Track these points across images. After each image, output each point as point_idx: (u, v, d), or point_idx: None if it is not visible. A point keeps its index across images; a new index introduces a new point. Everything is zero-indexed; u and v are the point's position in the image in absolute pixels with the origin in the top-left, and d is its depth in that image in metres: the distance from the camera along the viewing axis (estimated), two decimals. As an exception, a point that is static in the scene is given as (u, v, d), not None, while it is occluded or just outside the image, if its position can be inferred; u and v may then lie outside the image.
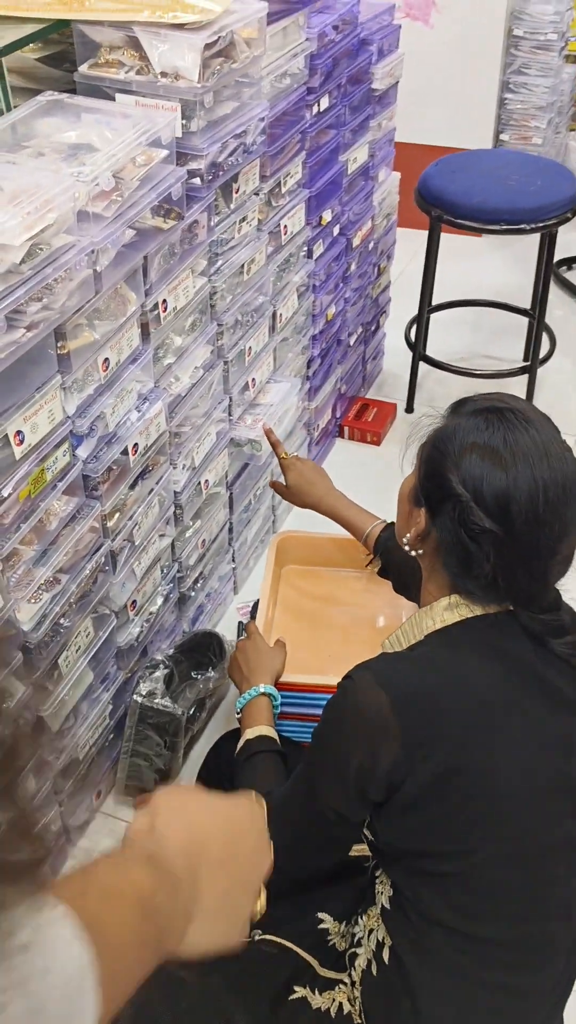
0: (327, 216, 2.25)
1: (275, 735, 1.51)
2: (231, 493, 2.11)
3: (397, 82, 2.50)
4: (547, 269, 2.69)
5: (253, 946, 1.32)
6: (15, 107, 1.53)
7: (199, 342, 1.79)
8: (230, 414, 1.98)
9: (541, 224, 2.46)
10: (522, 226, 2.46)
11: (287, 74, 1.92)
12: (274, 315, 2.07)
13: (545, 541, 1.12)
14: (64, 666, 1.58)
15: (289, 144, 1.99)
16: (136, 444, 1.60)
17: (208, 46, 1.54)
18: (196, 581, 2.07)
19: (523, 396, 2.46)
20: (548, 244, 2.63)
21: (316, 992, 1.25)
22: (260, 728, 1.51)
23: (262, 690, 1.59)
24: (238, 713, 1.59)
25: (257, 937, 1.32)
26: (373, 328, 2.90)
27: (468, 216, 2.46)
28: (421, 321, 2.77)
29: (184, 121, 1.59)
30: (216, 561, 2.15)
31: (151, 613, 1.88)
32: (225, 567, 2.21)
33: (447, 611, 1.18)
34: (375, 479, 2.10)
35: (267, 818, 0.90)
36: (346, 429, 2.79)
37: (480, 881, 1.13)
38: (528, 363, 2.76)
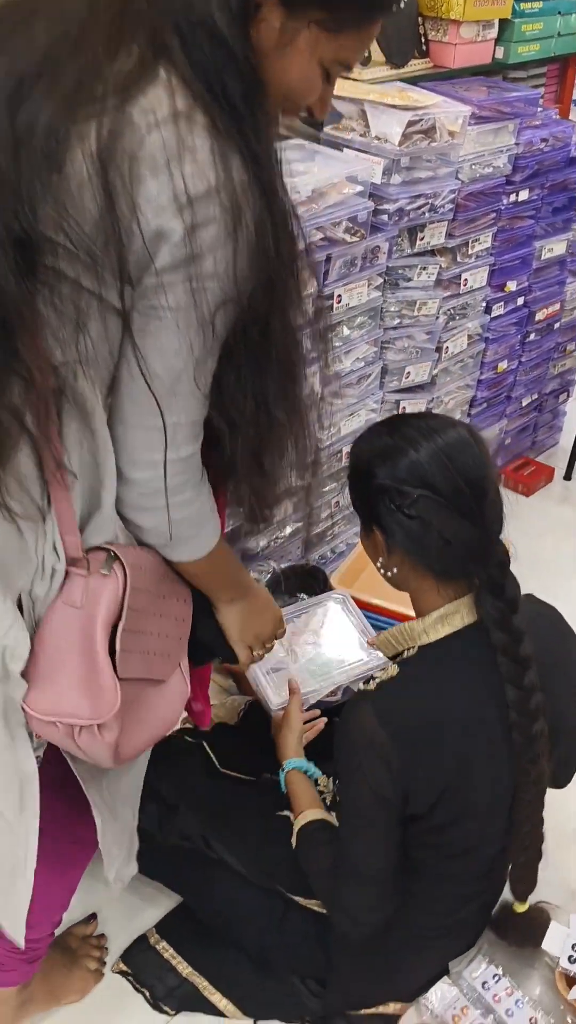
0: (511, 286, 2.78)
1: (322, 814, 1.63)
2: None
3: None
4: None
5: (264, 779, 1.84)
6: (271, 143, 2.21)
7: (365, 339, 2.37)
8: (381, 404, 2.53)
9: None
10: None
11: (491, 165, 2.50)
12: (439, 347, 2.61)
13: (464, 488, 1.31)
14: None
15: (482, 217, 2.55)
16: (290, 389, 2.19)
17: (411, 123, 2.15)
18: (324, 534, 2.61)
19: None
20: None
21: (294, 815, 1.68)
22: (307, 814, 1.63)
23: (292, 766, 1.74)
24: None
25: (267, 775, 1.84)
26: (554, 400, 3.36)
27: None
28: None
29: (385, 174, 2.20)
30: (345, 527, 2.68)
31: (279, 537, 2.45)
32: (352, 535, 2.73)
33: (437, 624, 1.39)
34: (514, 525, 2.53)
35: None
36: (502, 477, 3.25)
37: (444, 837, 1.45)
38: None
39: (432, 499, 1.31)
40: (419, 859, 1.48)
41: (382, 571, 1.45)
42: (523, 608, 1.38)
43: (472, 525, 1.33)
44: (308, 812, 1.62)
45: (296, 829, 1.61)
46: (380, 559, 1.43)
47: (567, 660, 1.52)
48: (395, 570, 1.41)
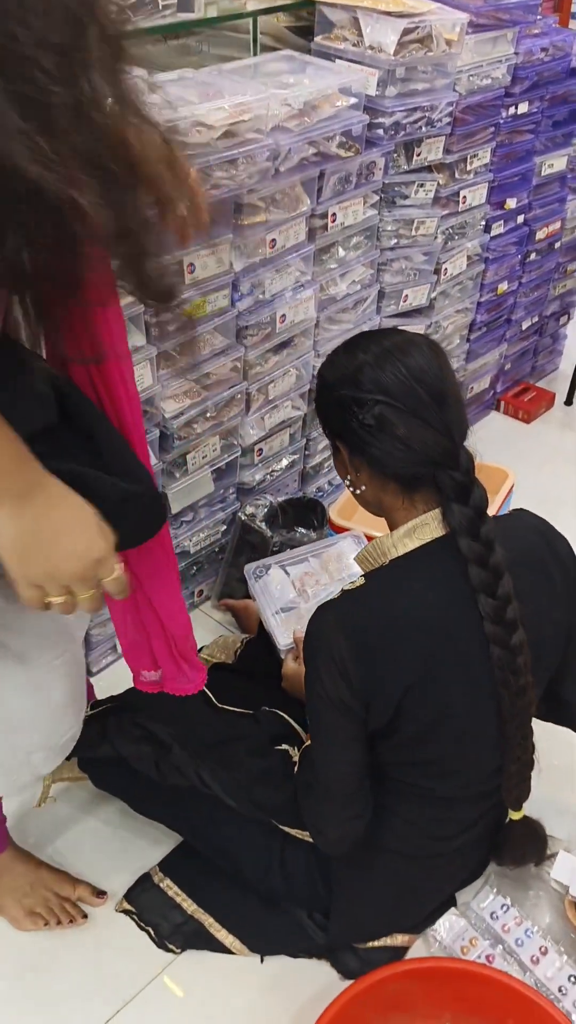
0: (511, 203, 2.68)
1: None
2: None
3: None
4: None
5: (262, 712, 1.80)
6: (260, 54, 2.10)
7: (361, 261, 2.28)
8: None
9: None
10: None
11: (489, 76, 2.38)
12: (437, 269, 2.52)
13: (423, 395, 1.30)
14: (191, 464, 2.11)
15: (480, 131, 2.44)
16: (284, 315, 2.11)
17: (407, 31, 2.04)
18: (320, 466, 2.55)
19: None
20: None
21: (296, 750, 1.68)
22: None
23: None
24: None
25: (265, 709, 1.80)
26: (554, 323, 3.27)
27: None
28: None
29: (379, 86, 2.09)
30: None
31: (275, 470, 2.39)
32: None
33: (405, 537, 1.37)
34: (515, 453, 2.46)
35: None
36: (502, 403, 3.18)
37: (423, 753, 1.44)
38: None
39: (389, 405, 1.31)
40: (402, 780, 1.47)
41: (351, 489, 1.44)
42: (496, 520, 1.37)
43: (434, 431, 1.32)
44: None
45: (301, 751, 1.62)
46: (349, 477, 1.42)
47: (551, 564, 1.46)
48: (363, 487, 1.40)
